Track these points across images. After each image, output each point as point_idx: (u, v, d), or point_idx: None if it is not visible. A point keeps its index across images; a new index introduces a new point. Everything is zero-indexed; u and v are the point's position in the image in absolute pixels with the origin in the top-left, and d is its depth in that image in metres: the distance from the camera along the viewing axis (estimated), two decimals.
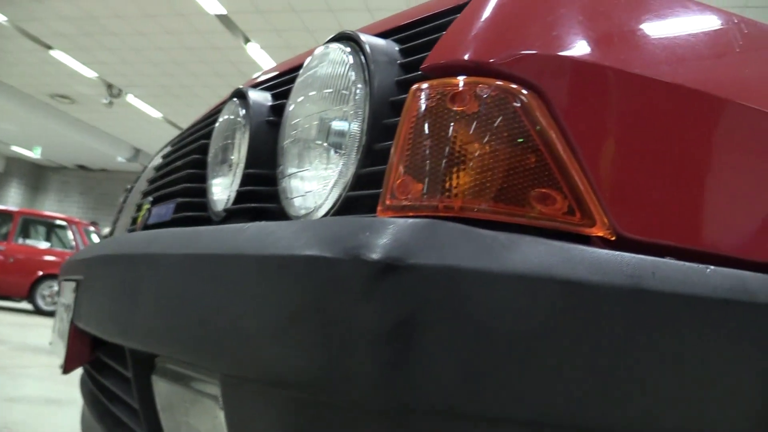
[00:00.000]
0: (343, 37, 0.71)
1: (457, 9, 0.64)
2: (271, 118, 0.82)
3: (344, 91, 0.66)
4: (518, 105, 0.54)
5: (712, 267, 0.56)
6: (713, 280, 0.55)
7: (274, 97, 0.87)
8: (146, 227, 1.04)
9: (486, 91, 0.54)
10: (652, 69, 0.61)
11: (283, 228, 0.55)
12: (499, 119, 0.54)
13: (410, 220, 0.48)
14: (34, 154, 16.30)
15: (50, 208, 18.58)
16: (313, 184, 0.68)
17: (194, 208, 0.93)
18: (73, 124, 13.37)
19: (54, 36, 9.26)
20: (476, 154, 0.53)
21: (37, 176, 19.08)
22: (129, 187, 1.54)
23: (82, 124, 13.55)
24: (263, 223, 0.59)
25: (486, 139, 0.54)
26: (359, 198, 0.62)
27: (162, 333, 0.65)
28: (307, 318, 0.48)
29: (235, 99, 0.88)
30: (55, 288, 8.33)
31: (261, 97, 0.85)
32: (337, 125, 0.66)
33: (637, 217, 0.58)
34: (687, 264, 0.56)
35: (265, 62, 9.20)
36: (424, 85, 0.57)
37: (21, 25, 9.03)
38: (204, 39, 8.78)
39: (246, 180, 0.79)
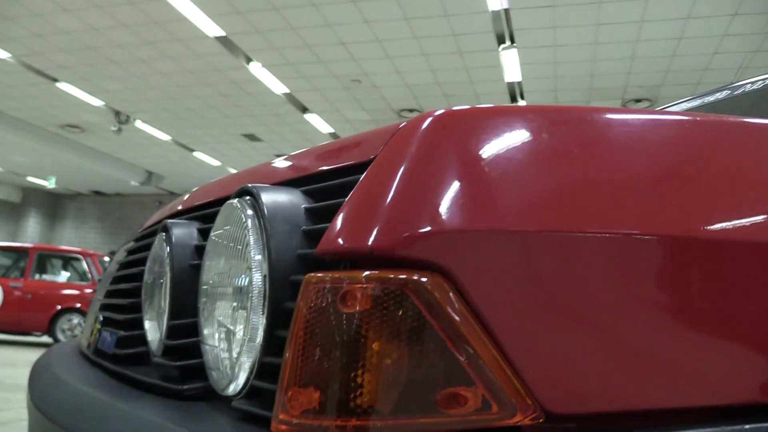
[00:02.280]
0: (245, 192, 0.64)
1: (362, 166, 0.57)
2: (195, 262, 0.75)
3: (244, 261, 0.59)
4: (418, 298, 0.48)
5: None
6: None
7: (200, 233, 0.80)
8: (96, 350, 0.98)
9: (379, 287, 0.47)
10: (565, 222, 0.53)
11: None
12: (396, 318, 0.47)
13: None
14: (49, 184, 16.46)
15: (68, 236, 18.76)
16: (225, 357, 0.61)
17: (135, 343, 0.86)
18: (84, 152, 13.46)
19: (58, 68, 9.31)
20: (373, 361, 0.46)
21: (53, 205, 19.26)
22: (106, 267, 1.48)
23: (93, 152, 13.64)
24: None
25: (384, 344, 0.47)
26: (264, 389, 0.55)
27: None
28: None
29: (162, 233, 0.81)
30: (75, 321, 8.39)
31: (186, 235, 0.78)
32: (240, 301, 0.59)
33: (566, 391, 0.50)
34: None
35: (268, 80, 9.17)
36: (316, 278, 0.50)
37: (25, 60, 9.09)
38: (205, 61, 8.77)
39: (171, 332, 0.73)
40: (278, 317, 0.56)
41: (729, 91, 1.76)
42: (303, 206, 0.62)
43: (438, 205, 0.51)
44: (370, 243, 0.49)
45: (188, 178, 16.25)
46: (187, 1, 7.07)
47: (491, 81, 8.80)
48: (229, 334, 0.60)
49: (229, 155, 13.81)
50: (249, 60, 8.66)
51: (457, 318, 0.48)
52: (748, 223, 0.58)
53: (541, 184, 0.54)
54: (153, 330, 0.79)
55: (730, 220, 0.58)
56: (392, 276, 0.48)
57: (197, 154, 13.87)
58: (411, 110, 10.12)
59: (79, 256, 8.92)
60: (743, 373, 0.56)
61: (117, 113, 11.27)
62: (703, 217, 0.57)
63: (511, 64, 8.21)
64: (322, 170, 0.66)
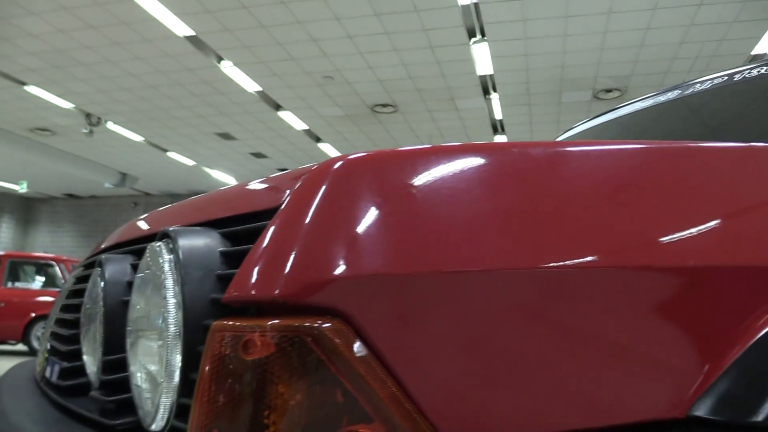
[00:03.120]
0: (165, 235, 0.65)
1: (272, 212, 0.58)
2: (126, 298, 0.76)
3: (162, 304, 0.60)
4: (317, 343, 0.49)
5: None
6: None
7: (134, 269, 0.80)
8: (44, 379, 0.98)
9: (278, 335, 0.49)
10: (462, 262, 0.55)
11: None
12: (295, 363, 0.49)
13: None
14: (21, 188, 16.21)
15: (43, 241, 18.50)
16: (148, 396, 0.62)
17: (77, 375, 0.86)
18: (56, 156, 13.28)
19: (26, 72, 9.17)
20: (274, 407, 0.49)
21: (26, 209, 18.98)
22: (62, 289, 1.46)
23: (65, 155, 13.46)
24: None
25: (284, 389, 0.49)
26: (183, 429, 0.57)
27: None
28: None
29: (97, 268, 0.81)
30: None
31: (119, 271, 0.79)
32: (160, 342, 0.60)
33: (468, 421, 0.53)
34: None
35: (240, 78, 9.12)
36: (220, 326, 0.52)
37: None
38: (176, 61, 8.69)
39: (105, 367, 0.73)
40: (193, 360, 0.58)
41: (679, 91, 1.78)
42: (219, 250, 0.63)
43: (339, 251, 0.52)
44: (272, 291, 0.50)
45: (163, 178, 16.12)
46: (155, 1, 7.00)
47: (463, 74, 8.82)
48: (151, 374, 0.61)
49: (203, 154, 13.71)
50: (220, 59, 8.60)
51: (355, 360, 0.50)
52: (623, 250, 0.60)
53: (439, 226, 0.56)
54: (90, 363, 0.80)
55: (611, 249, 0.60)
56: (291, 323, 0.50)
57: (171, 154, 13.75)
58: (384, 105, 10.12)
59: (52, 262, 8.82)
60: (637, 392, 0.58)
61: (88, 115, 11.12)
62: (585, 248, 0.59)
63: (482, 58, 8.23)
64: (240, 213, 0.67)
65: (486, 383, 0.53)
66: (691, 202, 0.66)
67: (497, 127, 11.27)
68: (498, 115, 10.53)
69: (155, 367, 0.61)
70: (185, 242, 0.62)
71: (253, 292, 0.52)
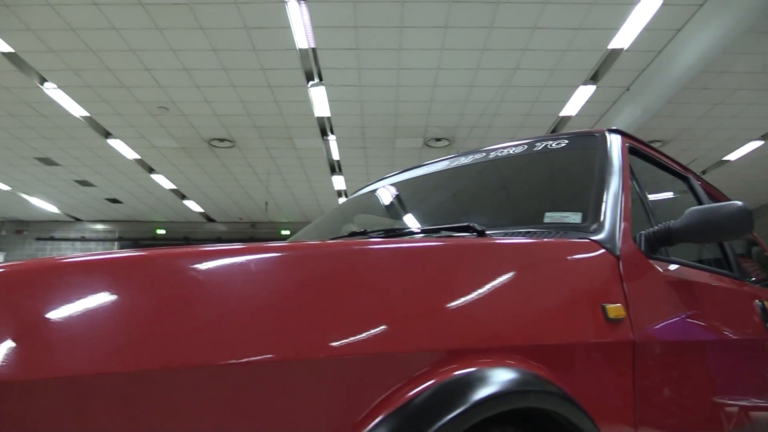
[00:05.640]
0: None
1: None
2: None
3: None
4: None
5: None
6: None
7: None
8: None
9: None
10: (75, 367, 0.61)
11: None
12: None
13: None
14: None
15: None
16: None
17: None
18: None
19: None
20: None
21: None
22: None
23: None
24: None
25: None
26: None
27: None
28: None
29: None
30: None
31: None
32: None
33: None
34: None
35: (65, 102, 8.59)
36: None
37: None
38: None
39: None
40: None
41: (447, 162, 1.93)
42: None
43: None
44: None
45: None
46: None
47: (301, 115, 8.98)
48: None
49: (21, 179, 12.64)
50: (43, 80, 8.06)
51: None
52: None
53: (58, 335, 0.62)
54: None
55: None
56: None
57: None
58: (222, 140, 10.00)
59: None
60: None
61: None
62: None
63: (320, 100, 8.44)
64: None
65: None
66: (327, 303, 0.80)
67: (335, 167, 11.53)
68: (335, 155, 10.79)
69: None
70: None
71: None
